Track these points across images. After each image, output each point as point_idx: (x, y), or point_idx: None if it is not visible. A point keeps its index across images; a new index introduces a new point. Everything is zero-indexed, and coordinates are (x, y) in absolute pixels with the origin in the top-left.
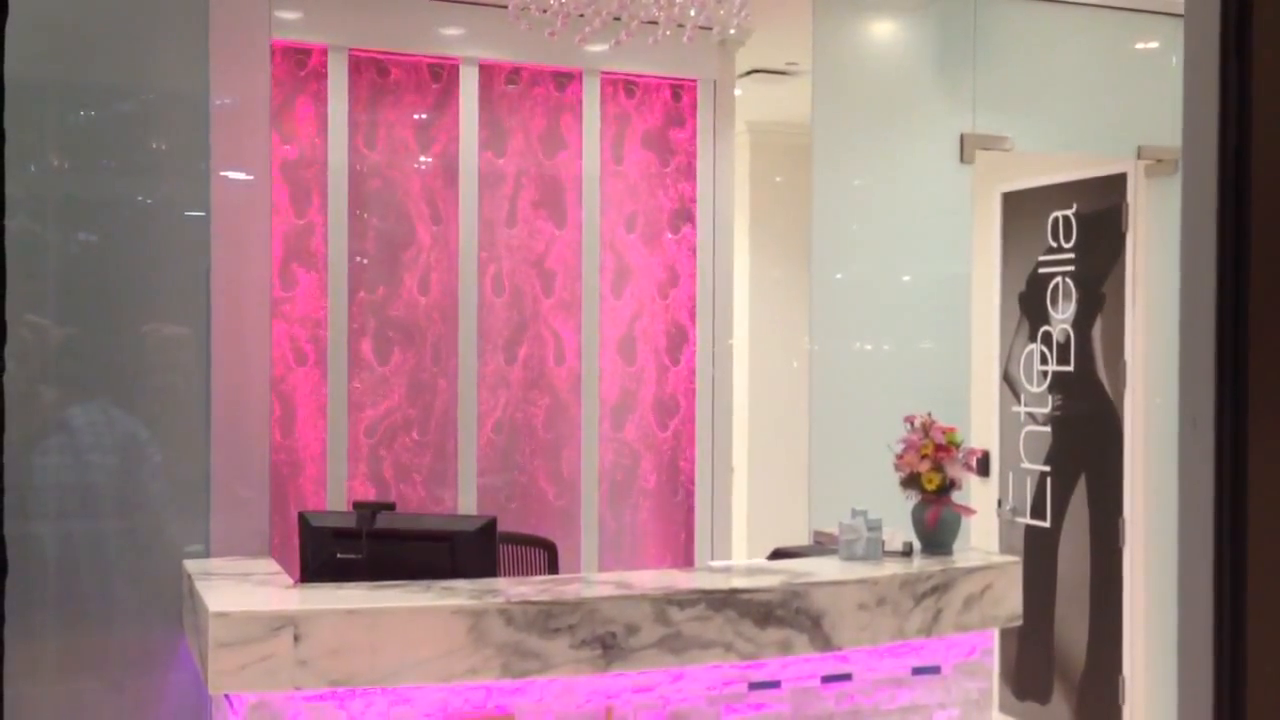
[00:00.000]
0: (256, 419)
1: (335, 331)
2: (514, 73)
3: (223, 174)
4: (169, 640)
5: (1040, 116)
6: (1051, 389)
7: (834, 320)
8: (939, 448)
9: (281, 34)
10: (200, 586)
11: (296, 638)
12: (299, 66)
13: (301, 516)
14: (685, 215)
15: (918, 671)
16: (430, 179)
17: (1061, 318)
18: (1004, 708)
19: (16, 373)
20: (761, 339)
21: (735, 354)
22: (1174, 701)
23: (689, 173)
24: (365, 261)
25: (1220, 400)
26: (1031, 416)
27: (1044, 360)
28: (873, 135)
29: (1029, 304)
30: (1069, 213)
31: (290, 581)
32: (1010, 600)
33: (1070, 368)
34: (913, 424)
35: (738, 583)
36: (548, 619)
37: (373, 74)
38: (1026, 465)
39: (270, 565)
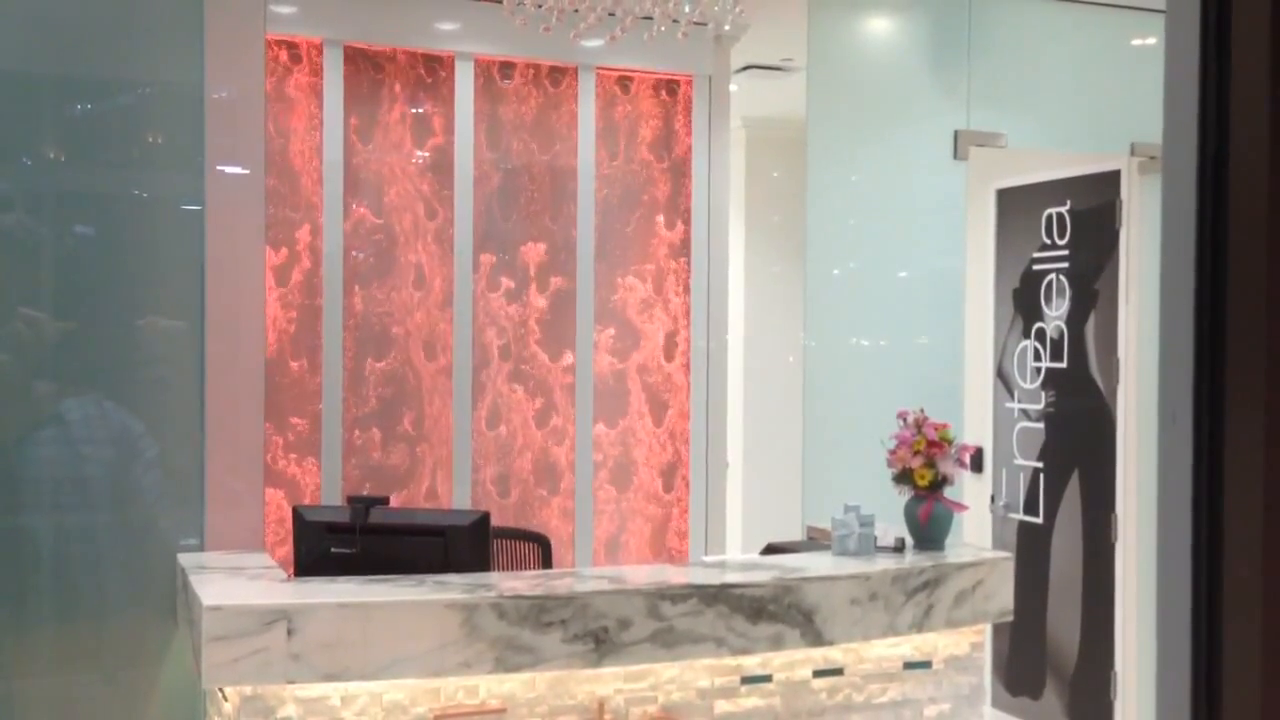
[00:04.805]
0: (251, 413)
1: (330, 325)
2: (509, 67)
3: (218, 168)
4: (162, 633)
5: (1034, 113)
6: (1045, 385)
7: (829, 316)
8: (931, 444)
9: (277, 28)
10: (194, 580)
11: (290, 631)
12: (294, 61)
13: (296, 511)
14: (681, 211)
15: (909, 666)
16: (425, 173)
17: (1055, 314)
18: (996, 703)
19: (11, 365)
20: (756, 334)
21: (730, 349)
22: None
23: (684, 168)
24: (360, 256)
25: (1199, 395)
26: (1025, 413)
27: (1037, 357)
28: (868, 131)
29: (1023, 300)
30: (1063, 209)
31: (284, 575)
32: (1002, 596)
33: (1063, 364)
34: (906, 420)
35: (730, 578)
36: (540, 613)
37: (368, 68)
38: (1020, 461)
39: (264, 559)
